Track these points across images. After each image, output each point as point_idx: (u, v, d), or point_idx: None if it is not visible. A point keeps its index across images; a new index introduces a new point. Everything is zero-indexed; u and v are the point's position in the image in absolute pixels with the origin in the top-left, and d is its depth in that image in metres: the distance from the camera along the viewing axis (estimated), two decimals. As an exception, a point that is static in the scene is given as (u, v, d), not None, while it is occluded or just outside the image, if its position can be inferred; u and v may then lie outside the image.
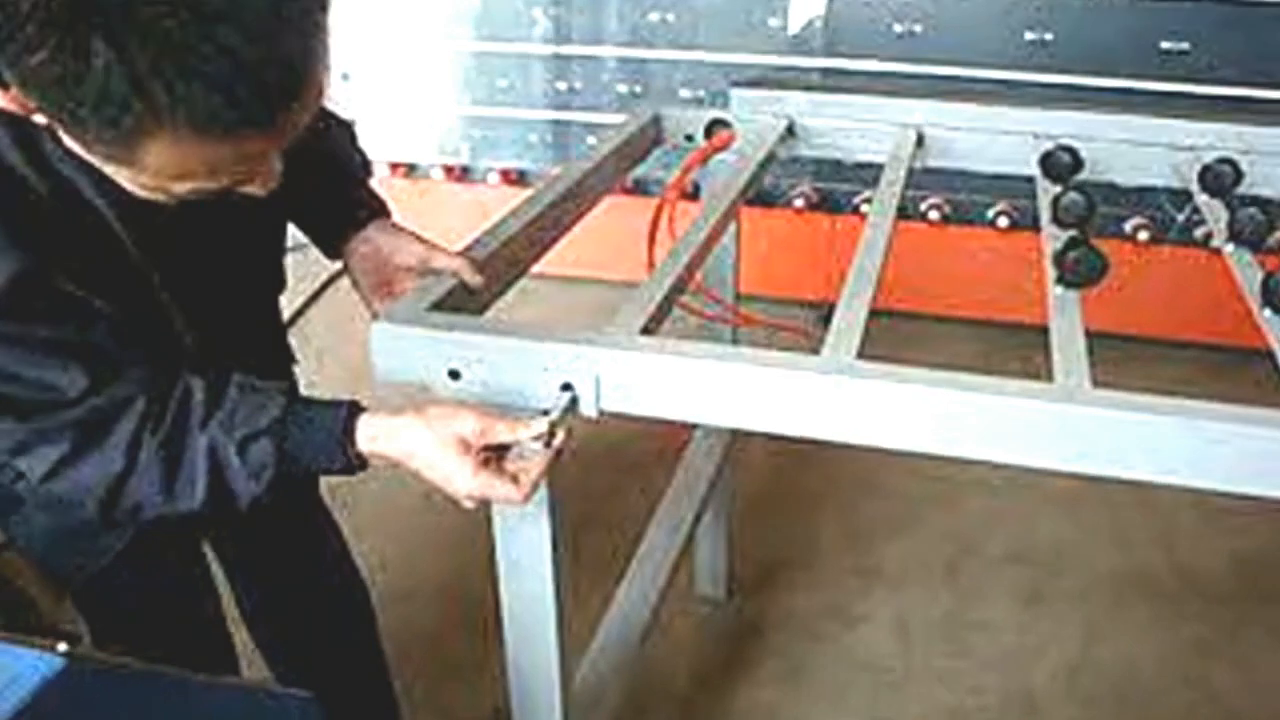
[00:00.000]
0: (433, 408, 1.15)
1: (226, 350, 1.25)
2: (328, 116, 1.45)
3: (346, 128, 1.49)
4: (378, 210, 1.45)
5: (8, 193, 1.03)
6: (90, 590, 1.45)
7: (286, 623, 1.80)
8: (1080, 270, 1.40)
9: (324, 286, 3.94)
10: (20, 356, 1.06)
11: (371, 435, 1.14)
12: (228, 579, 1.73)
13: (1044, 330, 1.32)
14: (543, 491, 1.26)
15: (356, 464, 1.15)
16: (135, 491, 1.14)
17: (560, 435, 1.15)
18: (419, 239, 1.40)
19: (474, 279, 1.34)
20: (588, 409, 1.20)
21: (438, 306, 1.29)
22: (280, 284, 1.50)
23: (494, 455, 1.16)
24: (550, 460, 1.15)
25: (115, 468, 1.12)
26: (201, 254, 1.22)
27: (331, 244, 1.44)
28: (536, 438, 1.14)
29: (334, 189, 1.43)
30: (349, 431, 1.14)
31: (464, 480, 1.12)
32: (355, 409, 1.16)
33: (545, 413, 1.16)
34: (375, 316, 1.39)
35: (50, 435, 1.10)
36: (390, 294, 1.41)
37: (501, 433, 1.13)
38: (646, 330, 1.29)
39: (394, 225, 1.44)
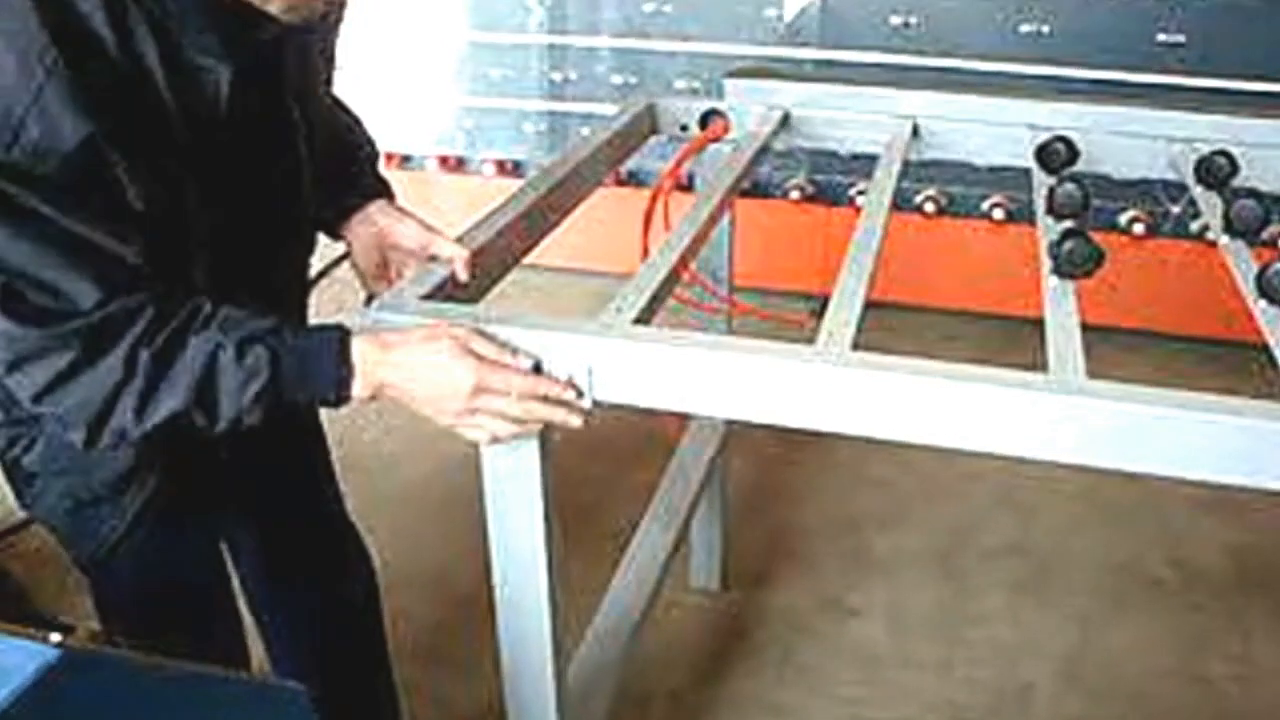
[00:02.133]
0: None
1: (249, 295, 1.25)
2: (337, 102, 1.50)
3: (354, 115, 1.52)
4: (382, 192, 1.47)
5: (87, 56, 1.03)
6: (103, 576, 1.46)
7: (292, 608, 1.79)
8: (1075, 260, 1.40)
9: (319, 276, 3.93)
10: (43, 254, 1.06)
11: (364, 347, 1.16)
12: (233, 562, 1.72)
13: (1039, 322, 1.32)
14: (535, 474, 1.27)
15: (347, 380, 1.16)
16: (124, 407, 1.13)
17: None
18: (421, 223, 1.42)
19: (464, 274, 1.34)
20: (581, 399, 1.20)
21: (431, 296, 1.29)
22: (310, 241, 1.49)
23: None
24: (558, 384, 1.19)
25: (113, 378, 1.11)
26: (240, 166, 1.22)
27: (334, 222, 1.46)
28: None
29: (340, 167, 1.45)
30: (344, 345, 1.16)
31: (466, 368, 1.14)
32: (348, 331, 1.18)
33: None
34: (369, 298, 1.41)
35: (58, 343, 1.09)
36: (388, 276, 1.42)
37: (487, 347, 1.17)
38: (640, 320, 1.28)
39: (397, 208, 1.46)
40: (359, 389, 1.17)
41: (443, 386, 1.15)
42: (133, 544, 1.40)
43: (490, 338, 1.18)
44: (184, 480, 1.39)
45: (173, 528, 1.43)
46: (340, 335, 1.17)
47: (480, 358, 1.15)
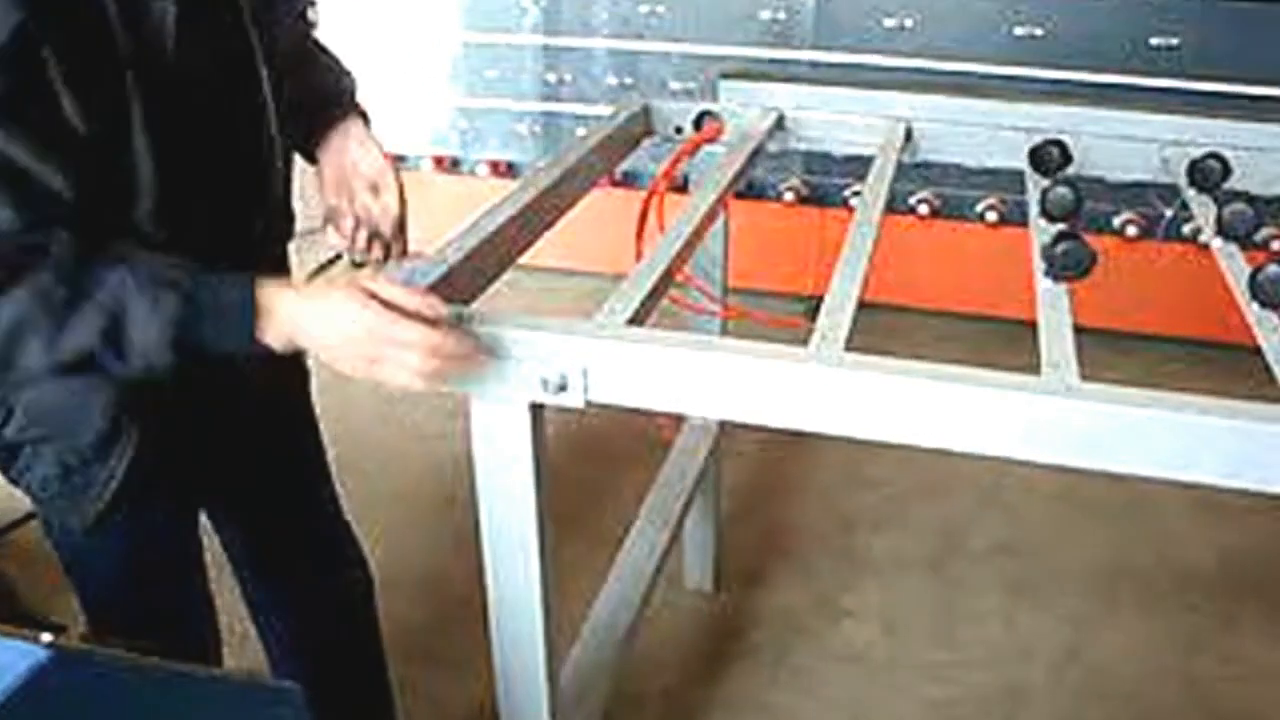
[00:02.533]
0: None
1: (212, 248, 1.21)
2: (317, 43, 1.53)
3: (333, 55, 1.54)
4: (359, 114, 1.49)
5: None
6: (80, 564, 1.46)
7: (288, 607, 1.79)
8: (1069, 263, 1.41)
9: (313, 276, 3.93)
10: None
11: (275, 292, 1.14)
12: (230, 561, 1.73)
13: (1032, 324, 1.33)
14: (528, 474, 1.27)
15: (259, 324, 1.14)
16: (31, 339, 1.10)
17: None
18: (385, 156, 1.45)
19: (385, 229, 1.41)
20: (575, 399, 1.20)
21: (425, 296, 1.29)
22: (287, 219, 1.47)
23: None
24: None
25: (20, 310, 1.08)
26: (194, 91, 1.20)
27: (312, 138, 1.47)
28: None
29: (320, 90, 1.48)
30: (255, 288, 1.13)
31: (364, 316, 1.12)
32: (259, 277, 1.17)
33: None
34: (328, 211, 1.44)
35: None
36: (349, 196, 1.45)
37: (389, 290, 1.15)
38: (634, 321, 1.29)
39: (369, 134, 1.48)
40: (271, 336, 1.15)
41: (342, 335, 1.13)
42: (111, 527, 1.38)
43: (404, 286, 1.15)
44: (165, 445, 1.37)
45: (150, 515, 1.42)
46: (252, 278, 1.14)
47: (386, 305, 1.12)
